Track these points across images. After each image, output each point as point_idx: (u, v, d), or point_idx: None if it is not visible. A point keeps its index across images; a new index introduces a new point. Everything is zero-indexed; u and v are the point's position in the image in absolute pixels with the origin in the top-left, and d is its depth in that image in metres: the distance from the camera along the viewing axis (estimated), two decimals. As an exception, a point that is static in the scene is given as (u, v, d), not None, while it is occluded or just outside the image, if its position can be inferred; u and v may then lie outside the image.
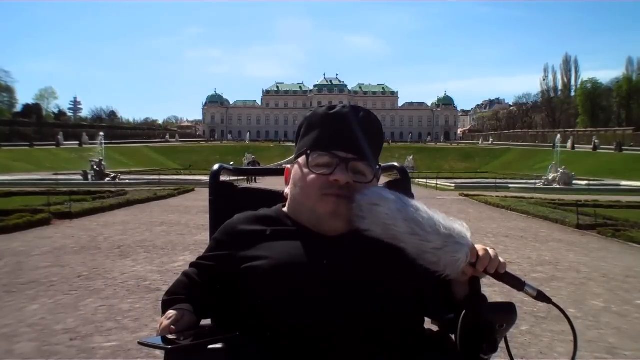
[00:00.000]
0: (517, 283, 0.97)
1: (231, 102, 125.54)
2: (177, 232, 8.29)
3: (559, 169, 24.05)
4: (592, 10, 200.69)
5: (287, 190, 1.17)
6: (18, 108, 76.41)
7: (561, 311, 0.96)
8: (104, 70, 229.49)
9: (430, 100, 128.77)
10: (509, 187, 21.62)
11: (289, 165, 1.19)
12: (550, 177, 23.98)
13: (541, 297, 0.97)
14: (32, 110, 74.02)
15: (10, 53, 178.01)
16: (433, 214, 0.97)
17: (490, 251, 0.97)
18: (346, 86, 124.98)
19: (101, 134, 29.73)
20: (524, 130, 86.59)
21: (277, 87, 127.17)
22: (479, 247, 0.97)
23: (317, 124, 1.13)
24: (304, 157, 1.10)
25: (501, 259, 0.97)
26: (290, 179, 1.15)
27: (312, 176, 1.07)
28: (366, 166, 1.09)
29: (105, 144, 28.25)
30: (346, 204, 1.03)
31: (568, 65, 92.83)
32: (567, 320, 0.96)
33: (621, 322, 3.85)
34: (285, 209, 1.16)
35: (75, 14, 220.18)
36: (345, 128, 1.09)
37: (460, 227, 0.97)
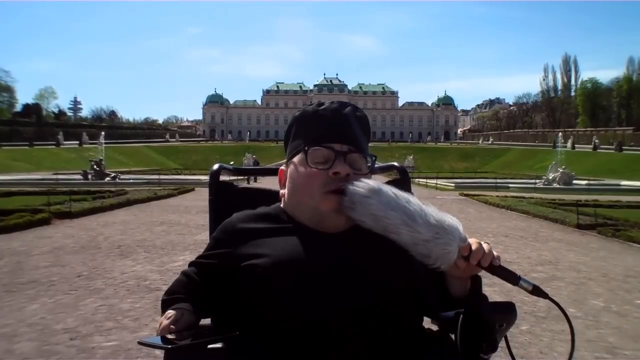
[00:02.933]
0: (511, 277, 0.96)
1: (231, 102, 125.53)
2: (177, 231, 8.29)
3: (559, 169, 24.05)
4: (592, 10, 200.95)
5: (283, 191, 1.17)
6: (18, 108, 76.43)
7: (558, 306, 0.95)
8: (104, 70, 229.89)
9: (430, 100, 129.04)
10: (509, 187, 21.63)
11: (282, 167, 1.19)
12: (550, 177, 23.98)
13: (537, 291, 0.96)
14: (32, 110, 74.00)
15: (10, 53, 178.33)
16: (425, 207, 0.97)
17: (484, 245, 0.96)
18: (346, 86, 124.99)
19: (102, 133, 29.76)
20: (524, 130, 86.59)
21: (277, 86, 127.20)
22: (472, 240, 0.96)
23: (310, 121, 1.14)
24: (300, 155, 1.10)
25: (495, 253, 0.97)
26: (287, 179, 1.15)
27: (312, 172, 1.07)
28: (361, 158, 1.10)
29: (105, 143, 28.26)
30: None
31: (568, 65, 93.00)
32: (563, 314, 0.95)
33: (621, 322, 3.85)
34: (283, 207, 1.16)
35: (74, 14, 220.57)
36: (338, 122, 1.11)
37: (452, 220, 0.96)
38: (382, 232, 0.97)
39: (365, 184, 1.01)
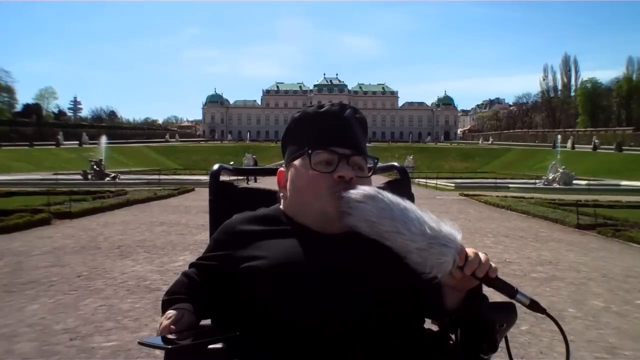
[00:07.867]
0: (508, 290, 0.94)
1: (231, 102, 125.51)
2: (177, 232, 8.29)
3: (559, 169, 24.03)
4: (592, 10, 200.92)
5: (282, 193, 1.17)
6: (18, 108, 76.34)
7: (556, 323, 0.94)
8: (104, 70, 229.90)
9: (430, 100, 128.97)
10: (509, 187, 21.61)
11: (282, 168, 1.19)
12: (550, 177, 23.95)
13: (534, 306, 0.95)
14: (32, 110, 73.90)
15: (10, 53, 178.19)
16: (422, 214, 0.95)
17: (481, 255, 0.95)
18: (346, 86, 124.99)
19: (104, 136, 29.85)
20: (524, 130, 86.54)
21: (277, 86, 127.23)
22: (469, 250, 0.95)
23: (311, 123, 1.14)
24: (302, 158, 1.10)
25: (492, 264, 0.95)
26: (288, 181, 1.14)
27: (317, 175, 1.07)
28: (363, 160, 1.11)
29: (105, 143, 28.29)
30: None
31: (567, 65, 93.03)
32: (560, 331, 0.95)
33: (621, 322, 3.85)
34: (282, 208, 1.16)
35: (74, 14, 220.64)
36: (340, 125, 1.12)
37: (450, 228, 0.94)
38: (377, 238, 0.97)
39: (360, 190, 1.01)
